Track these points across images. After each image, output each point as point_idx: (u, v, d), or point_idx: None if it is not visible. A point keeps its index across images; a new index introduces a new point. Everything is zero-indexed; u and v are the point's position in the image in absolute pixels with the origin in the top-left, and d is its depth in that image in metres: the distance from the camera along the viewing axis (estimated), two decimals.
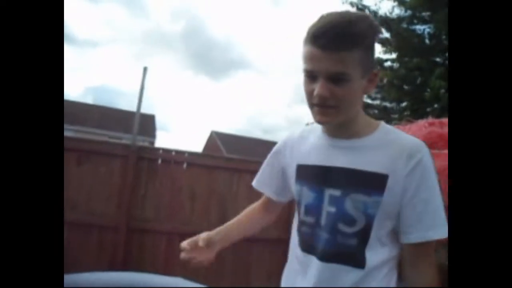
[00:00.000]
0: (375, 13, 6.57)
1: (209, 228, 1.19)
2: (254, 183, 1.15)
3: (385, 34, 6.67)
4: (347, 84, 0.83)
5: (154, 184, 3.84)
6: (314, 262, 0.91)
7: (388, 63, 7.19)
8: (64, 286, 0.85)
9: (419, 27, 6.78)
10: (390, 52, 7.00)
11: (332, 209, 0.90)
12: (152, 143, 13.75)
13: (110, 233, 3.65)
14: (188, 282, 3.26)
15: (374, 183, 0.86)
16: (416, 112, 5.85)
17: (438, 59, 6.33)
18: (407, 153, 0.85)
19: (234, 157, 6.24)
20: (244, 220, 1.18)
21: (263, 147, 6.90)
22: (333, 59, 0.80)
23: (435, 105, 5.25)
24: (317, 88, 0.83)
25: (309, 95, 0.86)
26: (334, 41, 0.79)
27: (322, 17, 0.84)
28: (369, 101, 7.47)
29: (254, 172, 1.18)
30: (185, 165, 3.95)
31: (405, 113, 6.15)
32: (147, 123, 14.95)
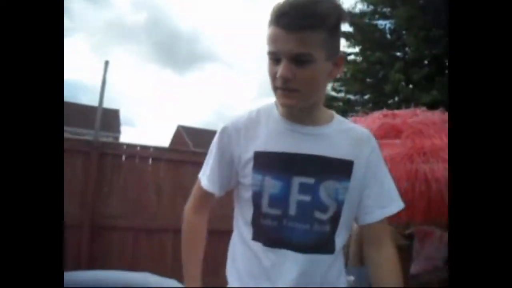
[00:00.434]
0: None
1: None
2: (205, 183, 1.00)
3: (349, 29, 6.89)
4: (310, 66, 0.80)
5: (119, 180, 3.78)
6: (291, 256, 0.88)
7: (351, 57, 7.44)
8: None
9: (381, 22, 7.06)
10: (353, 45, 7.26)
11: (306, 198, 0.88)
12: (117, 138, 13.40)
13: (74, 232, 3.57)
14: (156, 277, 3.28)
15: (342, 169, 0.89)
16: (378, 104, 6.12)
17: (398, 54, 6.63)
18: (364, 140, 0.92)
19: (200, 151, 6.24)
20: (200, 250, 1.04)
21: None
22: (296, 40, 0.78)
23: (396, 98, 5.52)
24: (280, 69, 0.80)
25: (273, 78, 0.84)
26: (296, 21, 0.78)
27: (284, 1, 0.82)
28: (333, 93, 7.71)
29: None
30: (150, 161, 3.93)
31: (368, 105, 6.41)
32: (111, 118, 14.52)
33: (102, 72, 3.89)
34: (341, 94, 7.60)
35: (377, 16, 6.96)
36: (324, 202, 0.88)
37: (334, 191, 0.88)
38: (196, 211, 1.03)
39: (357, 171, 0.90)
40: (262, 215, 0.91)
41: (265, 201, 0.90)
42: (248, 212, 0.93)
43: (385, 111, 2.26)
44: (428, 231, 2.61)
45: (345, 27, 7.38)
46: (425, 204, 1.63)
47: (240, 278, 0.95)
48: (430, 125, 1.85)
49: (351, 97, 7.42)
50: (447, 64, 5.43)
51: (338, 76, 7.63)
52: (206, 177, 0.99)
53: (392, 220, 1.76)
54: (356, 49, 7.23)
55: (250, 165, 0.90)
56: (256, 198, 0.90)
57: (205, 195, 1.00)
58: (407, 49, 5.98)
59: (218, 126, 1.04)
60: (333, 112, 0.97)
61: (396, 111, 2.21)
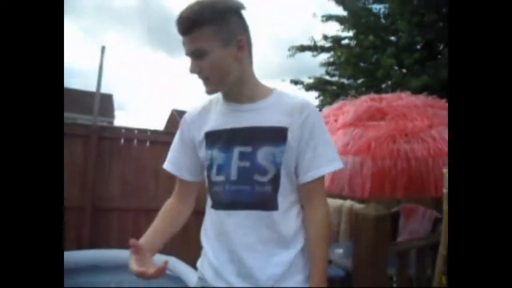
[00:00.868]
0: None
1: None
2: (168, 167, 1.15)
3: (343, 13, 6.95)
4: (208, 57, 0.98)
5: (118, 163, 3.92)
6: (235, 214, 1.03)
7: (345, 41, 7.50)
8: None
9: (375, 6, 7.11)
10: (347, 30, 7.30)
11: (246, 164, 1.02)
12: (111, 123, 13.42)
13: (75, 214, 3.72)
14: (157, 255, 3.48)
15: (277, 135, 1.02)
16: (371, 88, 6.24)
17: (392, 38, 6.69)
18: (298, 109, 1.04)
19: None
20: (162, 225, 1.15)
21: None
22: (189, 40, 0.98)
23: (388, 82, 5.65)
24: (191, 65, 1.00)
25: (191, 72, 1.03)
26: (185, 26, 0.97)
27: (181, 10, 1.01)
28: (327, 77, 7.79)
29: None
30: (148, 143, 4.06)
31: (361, 89, 6.51)
32: (105, 103, 14.49)
33: (98, 57, 3.97)
34: (335, 78, 7.69)
35: (371, 0, 7.01)
36: (263, 166, 1.02)
37: (271, 155, 1.01)
38: (173, 195, 1.19)
39: (292, 136, 1.02)
40: (212, 184, 1.07)
41: (214, 171, 1.06)
42: (207, 184, 1.10)
43: (372, 95, 2.41)
44: (412, 208, 2.81)
45: (339, 11, 7.43)
46: (406, 180, 1.80)
47: (208, 242, 1.10)
48: (413, 108, 2.01)
49: (345, 81, 7.51)
50: (438, 49, 5.55)
51: (332, 60, 7.74)
52: (168, 161, 1.15)
53: (377, 193, 1.94)
54: (350, 33, 7.28)
55: (204, 144, 1.08)
56: (209, 170, 1.07)
57: (180, 182, 1.16)
58: (400, 34, 6.08)
59: None
60: (274, 88, 1.11)
61: (383, 95, 2.36)
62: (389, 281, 1.83)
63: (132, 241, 0.98)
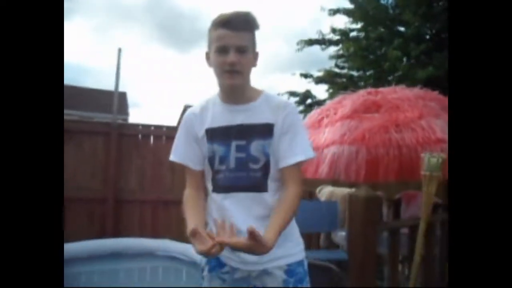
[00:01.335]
0: None
1: None
2: (173, 157, 1.31)
3: (350, 5, 7.04)
4: (247, 54, 1.19)
5: (136, 158, 4.24)
6: (235, 195, 1.22)
7: (353, 33, 7.57)
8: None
9: None
10: (356, 22, 7.38)
11: (242, 155, 1.23)
12: (126, 120, 13.79)
13: (98, 205, 4.06)
14: (175, 243, 3.78)
15: (266, 131, 1.23)
16: (380, 80, 6.36)
17: (401, 28, 6.74)
18: (280, 108, 1.24)
19: None
20: (202, 214, 1.27)
21: None
22: (238, 36, 1.16)
23: (395, 74, 5.77)
24: (230, 57, 1.15)
25: (222, 64, 1.18)
26: (238, 24, 1.16)
27: (225, 13, 1.19)
28: (336, 70, 7.90)
29: None
30: (164, 139, 4.36)
31: (370, 81, 6.62)
32: (120, 101, 14.91)
33: (110, 56, 4.29)
34: (344, 71, 7.80)
35: None
36: (255, 156, 1.22)
37: (262, 147, 1.22)
38: (188, 186, 1.33)
39: (277, 130, 1.23)
40: (215, 172, 1.26)
41: (216, 161, 1.25)
42: (208, 173, 1.29)
43: (369, 89, 2.62)
44: (412, 194, 3.02)
45: (346, 4, 7.50)
46: (397, 166, 2.02)
47: (212, 219, 1.28)
48: (405, 100, 2.22)
49: (354, 73, 7.62)
50: (445, 40, 5.62)
51: (341, 52, 7.87)
52: (173, 153, 1.32)
53: (371, 178, 2.16)
54: (358, 26, 7.37)
55: (205, 138, 1.27)
56: (211, 161, 1.26)
57: (188, 172, 1.31)
58: (406, 26, 6.16)
59: None
60: (262, 91, 1.31)
61: (380, 89, 2.57)
62: (380, 260, 2.05)
63: (193, 229, 1.06)
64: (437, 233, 2.34)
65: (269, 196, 1.23)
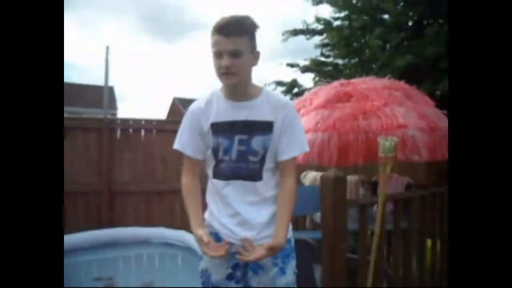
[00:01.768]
0: None
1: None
2: (177, 146, 1.44)
3: None
4: (241, 58, 1.29)
5: (128, 151, 4.46)
6: (234, 183, 1.39)
7: (338, 22, 7.75)
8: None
9: None
10: (339, 11, 7.56)
11: (243, 148, 1.37)
12: (114, 115, 13.90)
13: (94, 198, 4.29)
14: (170, 230, 4.04)
15: (266, 127, 1.37)
16: (363, 68, 6.60)
17: (385, 16, 6.92)
18: (280, 107, 1.38)
19: None
20: (197, 200, 1.45)
21: None
22: (231, 42, 1.27)
23: (377, 62, 6.01)
24: (224, 61, 1.27)
25: (218, 67, 1.30)
26: (231, 30, 1.27)
27: (222, 18, 1.29)
28: (322, 59, 8.11)
29: None
30: (154, 132, 4.58)
31: (354, 69, 6.84)
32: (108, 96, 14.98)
33: (94, 51, 4.47)
34: (330, 59, 8.01)
35: None
36: (255, 150, 1.38)
37: (261, 142, 1.37)
38: (186, 174, 1.48)
39: (276, 127, 1.37)
40: (218, 161, 1.42)
41: (220, 153, 1.40)
42: (211, 161, 1.44)
43: (342, 80, 2.87)
44: (388, 175, 3.31)
45: None
46: (365, 150, 2.28)
47: (214, 203, 1.46)
48: (373, 90, 2.48)
49: (339, 61, 7.83)
50: (424, 27, 5.85)
51: (326, 41, 8.07)
52: (177, 142, 1.45)
53: (342, 162, 2.44)
54: (342, 15, 7.55)
55: (210, 132, 1.40)
56: (215, 151, 1.41)
57: (188, 160, 1.46)
58: (386, 14, 6.38)
59: None
60: (262, 88, 1.44)
61: (351, 80, 2.82)
62: (350, 236, 2.31)
63: (208, 240, 1.30)
64: (412, 209, 2.62)
65: (261, 185, 1.41)
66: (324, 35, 7.65)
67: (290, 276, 1.43)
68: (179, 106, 21.31)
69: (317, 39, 7.91)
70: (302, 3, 9.33)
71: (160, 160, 4.53)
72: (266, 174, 1.41)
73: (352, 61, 7.43)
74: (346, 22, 7.37)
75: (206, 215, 1.50)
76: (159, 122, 4.70)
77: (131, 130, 4.49)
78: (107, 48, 4.43)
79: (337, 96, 2.49)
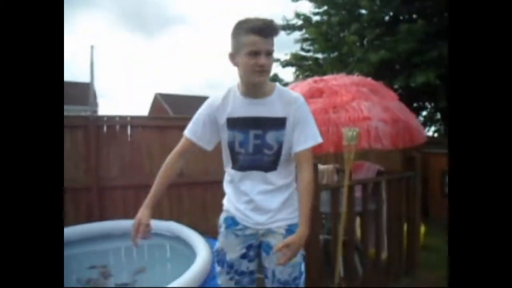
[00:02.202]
0: None
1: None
2: (187, 132, 1.56)
3: None
4: (271, 57, 1.43)
5: (115, 148, 4.64)
6: (250, 173, 1.53)
7: (317, 17, 8.08)
8: None
9: None
10: (319, 7, 7.88)
11: (258, 142, 1.49)
12: (95, 111, 13.92)
13: (83, 194, 4.48)
14: (157, 221, 4.25)
15: (279, 123, 1.47)
16: (341, 63, 6.95)
17: (364, 11, 7.26)
18: (291, 102, 1.48)
19: (182, 117, 7.00)
20: (164, 180, 1.60)
21: None
22: (268, 42, 1.39)
23: (353, 57, 6.36)
24: (262, 59, 1.38)
25: (254, 65, 1.39)
26: (269, 32, 1.39)
27: (252, 19, 1.39)
28: (303, 53, 8.43)
29: None
30: (140, 128, 4.79)
31: (333, 64, 7.18)
32: (87, 93, 14.97)
33: (79, 51, 4.59)
34: (310, 54, 8.34)
35: None
36: (270, 144, 1.50)
37: (275, 136, 1.49)
38: (175, 154, 1.60)
39: (289, 123, 1.48)
40: (235, 153, 1.55)
41: (236, 145, 1.53)
42: (228, 153, 1.59)
43: (316, 77, 3.19)
44: (360, 164, 3.67)
45: None
46: (335, 139, 2.60)
47: (231, 190, 1.62)
48: (342, 86, 2.80)
49: (319, 56, 8.17)
50: (398, 24, 6.21)
51: (306, 36, 8.39)
52: (189, 129, 1.59)
53: (316, 151, 2.75)
54: (321, 10, 7.87)
55: (225, 126, 1.54)
56: (231, 144, 1.55)
57: (186, 143, 1.59)
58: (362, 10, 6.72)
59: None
60: (275, 84, 1.55)
61: (324, 77, 3.14)
62: (322, 218, 2.61)
63: (143, 229, 1.51)
64: (381, 192, 2.96)
65: (275, 175, 1.55)
66: (304, 30, 7.98)
67: (298, 256, 1.54)
68: (161, 102, 21.37)
69: (297, 34, 8.25)
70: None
71: (146, 155, 4.75)
72: (279, 166, 1.54)
73: (332, 55, 7.79)
74: (325, 17, 7.71)
75: (225, 201, 1.68)
76: (144, 118, 4.89)
77: (117, 127, 4.68)
78: (92, 47, 4.61)
79: (310, 92, 2.80)
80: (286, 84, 8.46)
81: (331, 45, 7.20)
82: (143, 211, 1.57)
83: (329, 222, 2.84)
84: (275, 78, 8.48)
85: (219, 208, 1.72)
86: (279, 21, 8.08)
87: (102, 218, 4.42)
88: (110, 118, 4.66)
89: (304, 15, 7.72)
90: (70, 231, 3.93)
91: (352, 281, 2.60)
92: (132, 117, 4.77)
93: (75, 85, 13.88)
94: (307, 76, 7.47)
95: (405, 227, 3.11)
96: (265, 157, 1.52)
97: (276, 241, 1.51)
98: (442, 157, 5.86)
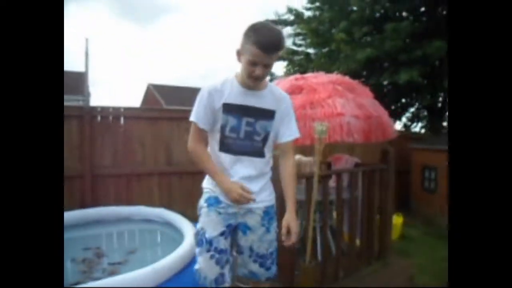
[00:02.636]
0: None
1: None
2: (193, 118, 1.66)
3: None
4: (270, 67, 1.58)
5: (109, 137, 4.92)
6: (239, 158, 1.66)
7: (310, 12, 8.32)
8: None
9: None
10: (311, 2, 8.12)
11: (249, 128, 1.65)
12: (87, 101, 14.05)
13: (77, 181, 4.75)
14: (148, 208, 4.57)
15: (269, 114, 1.67)
16: (330, 59, 7.22)
17: (355, 8, 7.52)
18: (281, 99, 1.71)
19: (173, 108, 7.22)
20: (211, 160, 1.69)
21: None
22: (268, 57, 1.52)
23: (341, 54, 6.63)
24: (257, 70, 1.53)
25: (251, 72, 1.54)
26: (272, 49, 1.52)
27: (263, 29, 1.51)
28: (294, 48, 8.68)
29: None
30: (133, 119, 5.05)
31: (323, 59, 7.45)
32: (80, 82, 15.08)
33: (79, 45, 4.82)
34: (301, 48, 8.60)
35: None
36: (259, 131, 1.68)
37: (265, 125, 1.68)
38: (196, 142, 1.70)
39: (277, 115, 1.69)
40: (225, 137, 1.67)
41: (227, 129, 1.65)
42: (217, 135, 1.69)
43: (297, 75, 3.47)
44: (339, 156, 3.99)
45: None
46: (311, 133, 2.88)
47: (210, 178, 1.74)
48: (320, 84, 3.09)
49: (310, 51, 8.43)
50: (385, 22, 6.47)
51: (298, 31, 8.65)
52: (193, 115, 1.68)
53: (299, 143, 3.05)
54: (314, 6, 8.11)
55: (221, 110, 1.65)
56: (223, 128, 1.66)
57: (199, 131, 1.69)
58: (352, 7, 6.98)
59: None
60: (267, 81, 1.73)
61: (305, 75, 3.43)
62: (298, 206, 2.88)
63: (242, 185, 1.64)
64: (357, 182, 3.26)
65: (263, 160, 1.74)
66: (295, 25, 8.23)
67: (273, 233, 1.79)
68: (154, 92, 21.51)
69: (289, 28, 8.50)
70: None
71: (139, 145, 5.03)
72: (266, 153, 1.73)
73: (323, 50, 8.06)
74: (318, 13, 7.95)
75: (205, 183, 1.79)
76: (137, 109, 5.14)
77: (111, 117, 4.94)
78: (87, 40, 4.83)
79: (291, 88, 3.09)
80: (277, 78, 8.75)
81: (321, 41, 7.46)
82: (229, 180, 1.68)
83: (304, 208, 3.15)
84: None
85: None
86: (271, 16, 8.31)
87: (95, 204, 4.71)
88: (104, 109, 4.91)
89: (296, 10, 7.97)
90: (65, 217, 4.18)
91: (326, 260, 2.90)
92: (126, 108, 5.03)
93: (67, 74, 13.97)
94: (297, 71, 7.74)
95: (376, 213, 3.41)
96: (254, 143, 1.70)
97: (253, 222, 1.74)
98: (424, 152, 6.20)
